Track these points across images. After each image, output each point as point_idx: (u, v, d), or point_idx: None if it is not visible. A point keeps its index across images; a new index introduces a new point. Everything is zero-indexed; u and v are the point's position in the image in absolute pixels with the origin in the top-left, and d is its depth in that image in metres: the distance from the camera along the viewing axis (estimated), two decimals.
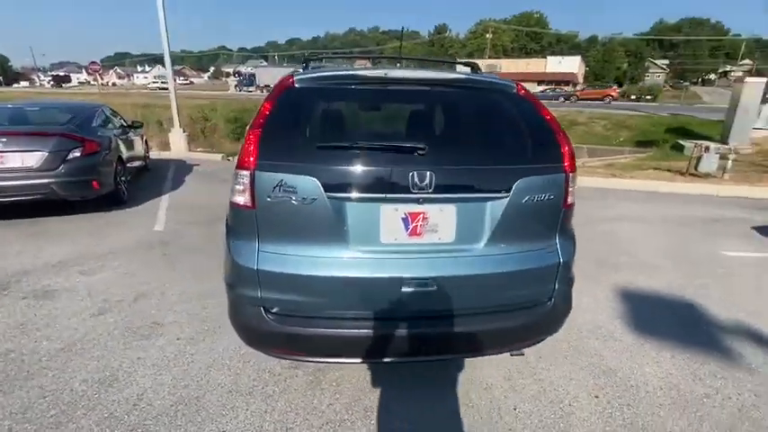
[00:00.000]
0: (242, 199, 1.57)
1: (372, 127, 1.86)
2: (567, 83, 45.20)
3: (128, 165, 5.71)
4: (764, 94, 10.80)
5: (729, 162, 7.98)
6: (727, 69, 72.34)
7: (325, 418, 1.86)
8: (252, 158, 1.52)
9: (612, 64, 57.74)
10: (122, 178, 5.33)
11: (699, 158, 8.20)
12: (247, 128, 1.64)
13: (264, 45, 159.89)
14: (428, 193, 1.51)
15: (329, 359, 1.78)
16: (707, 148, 8.23)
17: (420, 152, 1.52)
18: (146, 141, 7.53)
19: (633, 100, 43.36)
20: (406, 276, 1.56)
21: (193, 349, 2.35)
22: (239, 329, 1.72)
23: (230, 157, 9.12)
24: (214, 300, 2.90)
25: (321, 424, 1.83)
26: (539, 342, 1.85)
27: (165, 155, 9.33)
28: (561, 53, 61.37)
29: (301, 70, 2.35)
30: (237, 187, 1.58)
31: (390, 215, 1.55)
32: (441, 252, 1.60)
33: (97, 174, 4.63)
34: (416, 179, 1.49)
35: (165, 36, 8.94)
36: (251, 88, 57.42)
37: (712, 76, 73.02)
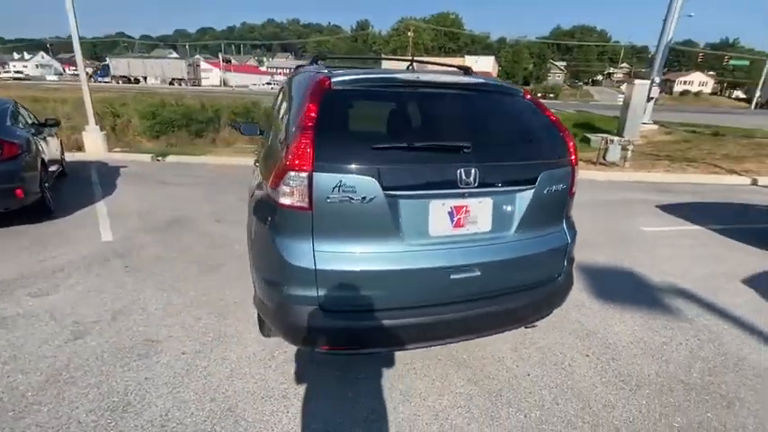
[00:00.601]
0: (295, 200, 1.57)
1: (412, 127, 1.94)
2: None
3: (49, 169, 4.96)
4: (648, 93, 12.87)
5: (629, 152, 9.43)
6: (611, 71, 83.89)
7: (369, 408, 1.93)
8: (308, 160, 1.53)
9: (520, 64, 63.58)
10: (46, 184, 4.63)
11: (606, 150, 9.55)
12: (293, 129, 1.63)
13: (172, 33, 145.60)
14: (472, 187, 1.67)
15: (382, 348, 1.85)
16: (611, 141, 9.61)
17: (465, 150, 1.66)
18: (61, 142, 6.57)
19: (539, 98, 48.41)
20: (453, 265, 1.70)
21: (204, 362, 2.23)
22: (288, 329, 1.70)
23: (160, 158, 8.34)
24: (206, 309, 2.76)
25: (367, 414, 1.90)
26: (550, 314, 2.13)
27: (80, 156, 8.20)
28: (476, 53, 65.79)
29: (313, 65, 2.37)
30: (287, 189, 1.57)
31: (438, 209, 1.68)
32: (479, 241, 1.77)
33: (20, 180, 3.98)
34: (463, 175, 1.64)
35: (73, 18, 7.81)
36: (106, 78, 54.81)
37: (599, 77, 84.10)
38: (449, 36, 75.77)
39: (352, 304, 1.66)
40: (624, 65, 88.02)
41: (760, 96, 51.71)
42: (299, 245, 1.61)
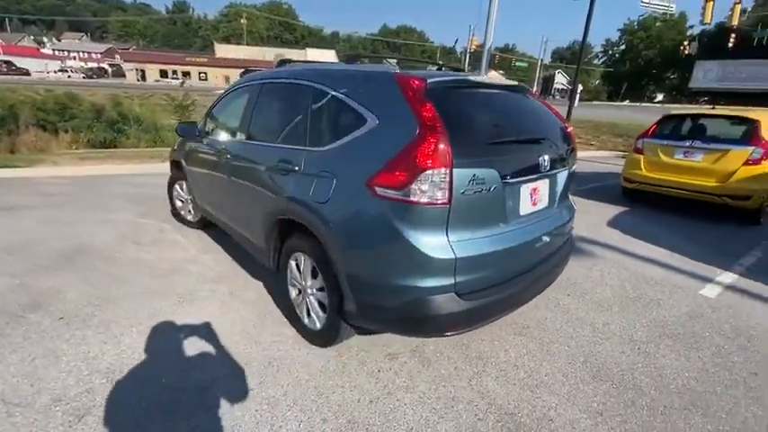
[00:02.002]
0: (434, 197, 1.64)
1: (499, 123, 2.09)
2: None
3: None
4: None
5: None
6: (431, 68, 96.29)
7: (461, 368, 2.14)
8: (447, 158, 1.61)
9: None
10: None
11: None
12: (416, 134, 1.65)
13: None
14: (546, 171, 2.03)
15: (494, 319, 2.05)
16: None
17: (542, 140, 2.00)
18: None
19: None
20: (534, 237, 2.05)
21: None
22: (425, 321, 1.76)
23: None
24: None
25: (464, 385, 2.10)
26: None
27: None
28: (314, 45, 66.17)
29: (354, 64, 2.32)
30: (424, 187, 1.63)
31: (525, 192, 1.98)
32: (543, 215, 2.15)
33: None
34: (545, 162, 1.98)
35: None
36: None
37: None
38: (284, 26, 73.84)
39: (478, 285, 1.83)
40: (440, 62, 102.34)
41: (535, 91, 68.12)
42: (437, 237, 1.69)
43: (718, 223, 5.17)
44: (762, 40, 28.12)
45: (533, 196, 2.07)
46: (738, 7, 19.55)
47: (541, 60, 55.07)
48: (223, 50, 49.24)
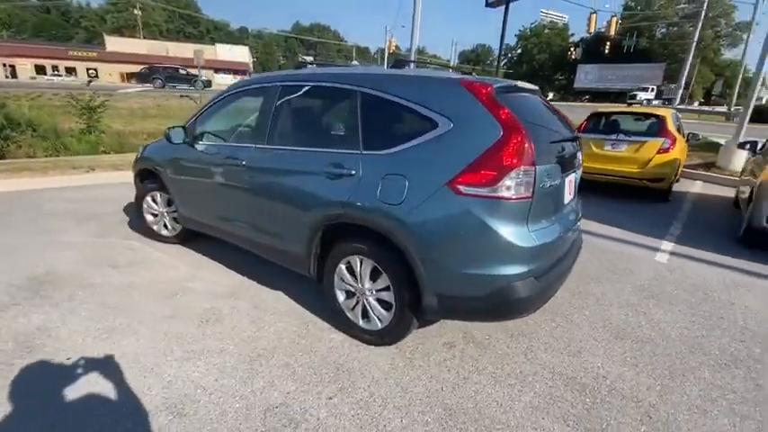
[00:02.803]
0: (521, 192, 1.82)
1: (542, 123, 2.27)
2: (243, 72, 46.89)
3: None
4: None
5: None
6: None
7: (520, 355, 2.37)
8: (531, 156, 1.80)
9: (274, 56, 64.49)
10: None
11: None
12: (500, 135, 1.80)
13: None
14: (576, 166, 2.33)
15: (552, 297, 2.28)
16: None
17: (574, 138, 2.29)
18: None
19: None
20: (571, 222, 2.35)
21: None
22: (511, 307, 1.93)
23: None
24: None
25: (523, 360, 2.33)
26: None
27: None
28: (221, 40, 61.93)
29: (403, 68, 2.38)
30: (511, 183, 1.80)
31: (567, 184, 2.26)
32: (571, 204, 2.47)
33: None
34: (578, 157, 2.28)
35: None
36: None
37: None
38: (186, 19, 67.81)
39: (545, 268, 2.05)
40: (355, 62, 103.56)
41: None
42: (521, 228, 1.87)
43: (642, 202, 6.20)
44: (629, 47, 33.72)
45: (570, 188, 2.37)
46: (615, 19, 23.15)
47: (451, 62, 58.84)
48: (115, 44, 43.44)
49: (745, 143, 5.71)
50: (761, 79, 8.03)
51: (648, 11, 49.80)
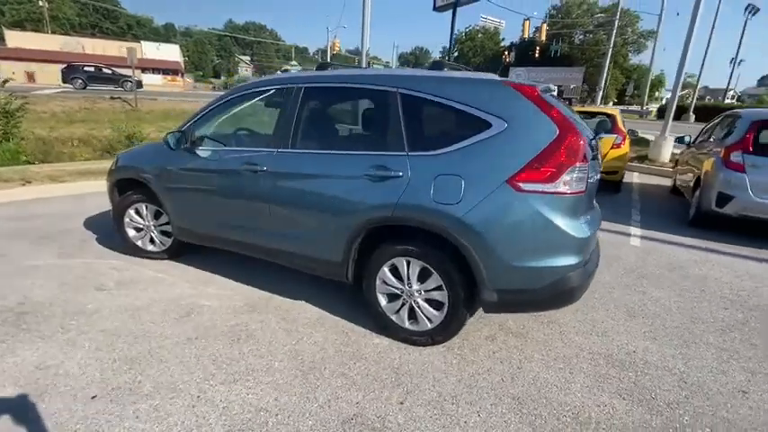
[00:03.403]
0: (578, 187, 1.95)
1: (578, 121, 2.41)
2: (175, 72, 43.73)
3: None
4: None
5: None
6: (287, 68, 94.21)
7: (558, 340, 2.52)
8: (584, 152, 1.93)
9: (207, 56, 60.82)
10: None
11: None
12: (556, 134, 1.91)
13: None
14: (600, 162, 2.53)
15: None
16: None
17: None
18: None
19: None
20: (599, 214, 2.55)
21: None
22: (567, 295, 2.06)
23: None
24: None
25: (562, 344, 2.48)
26: None
27: None
28: (144, 37, 57.15)
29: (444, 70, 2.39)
30: (569, 179, 1.92)
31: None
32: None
33: None
34: (599, 153, 2.47)
35: None
36: None
37: (279, 72, 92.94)
38: (103, 14, 61.54)
39: (588, 256, 2.20)
40: (294, 62, 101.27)
41: None
42: (576, 221, 2.00)
43: (598, 194, 6.80)
44: (555, 51, 36.80)
45: None
46: (545, 26, 25.13)
47: (391, 63, 59.88)
48: (18, 39, 38.09)
49: (680, 138, 6.54)
50: (679, 83, 9.20)
51: (568, 19, 54.63)
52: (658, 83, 57.36)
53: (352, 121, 2.59)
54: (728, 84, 38.69)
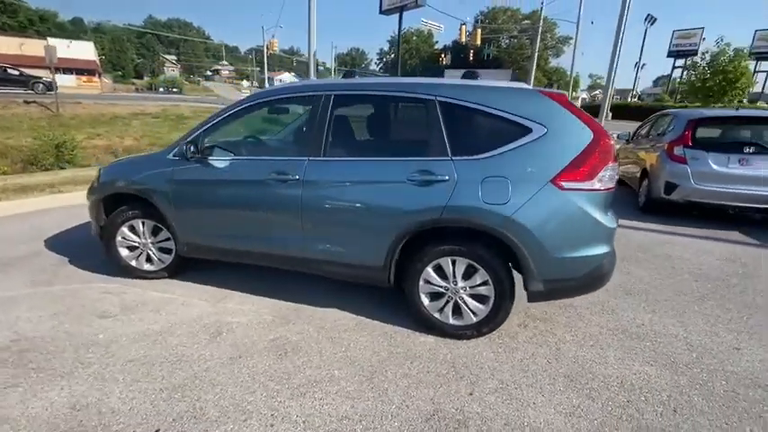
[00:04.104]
0: (611, 183, 2.20)
1: None
2: (90, 72, 39.43)
3: None
4: None
5: None
6: (218, 68, 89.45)
7: (585, 322, 2.80)
8: (614, 153, 2.18)
9: (127, 54, 55.45)
10: None
11: None
12: (592, 137, 2.14)
13: None
14: None
15: None
16: None
17: None
18: None
19: (162, 92, 45.18)
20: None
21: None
22: (603, 279, 2.31)
23: None
24: None
25: (589, 324, 2.76)
26: None
27: None
28: (49, 34, 50.74)
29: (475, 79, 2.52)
30: (606, 176, 2.17)
31: None
32: None
33: None
34: None
35: None
36: None
37: (209, 73, 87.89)
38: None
39: (613, 246, 2.48)
40: (225, 62, 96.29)
41: None
42: (607, 214, 2.26)
43: None
44: (487, 55, 39.20)
45: None
46: (479, 31, 26.63)
47: (329, 64, 59.56)
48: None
49: (621, 134, 7.40)
50: (610, 86, 10.39)
51: (494, 24, 58.38)
52: (574, 83, 63.64)
53: (387, 128, 2.64)
54: (635, 85, 44.12)
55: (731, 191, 4.78)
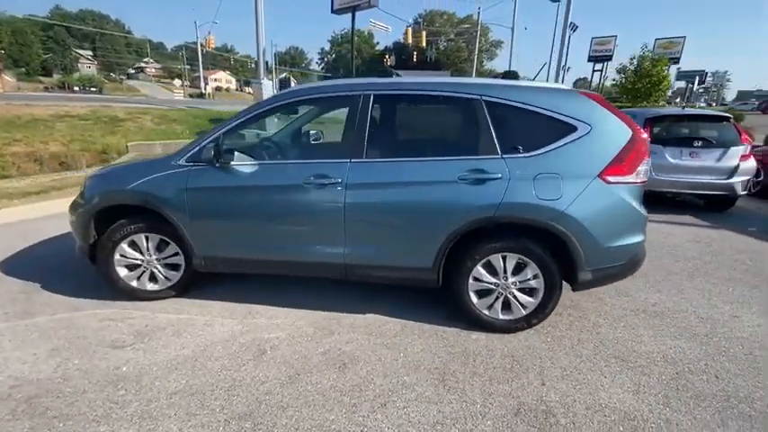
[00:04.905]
0: (645, 176, 2.38)
1: None
2: None
3: None
4: (280, 89, 15.58)
5: None
6: (142, 65, 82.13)
7: (608, 307, 3.00)
8: (648, 149, 2.37)
9: (32, 49, 48.61)
10: None
11: None
12: (631, 134, 2.30)
13: None
14: None
15: None
16: None
17: None
18: None
19: (77, 91, 40.59)
20: None
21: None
22: (637, 266, 2.49)
23: None
24: None
25: (603, 315, 2.97)
26: None
27: None
28: None
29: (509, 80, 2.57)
30: (641, 170, 2.35)
31: None
32: None
33: None
34: None
35: None
36: None
37: (131, 70, 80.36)
38: None
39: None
40: (148, 59, 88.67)
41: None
42: (641, 205, 2.44)
43: None
44: (429, 56, 40.40)
45: None
46: (424, 33, 27.35)
47: (269, 63, 57.54)
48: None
49: None
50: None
51: (432, 27, 60.38)
52: None
53: (430, 127, 2.61)
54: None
55: (685, 180, 5.42)
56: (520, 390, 2.10)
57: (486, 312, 2.58)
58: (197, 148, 2.67)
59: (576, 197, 2.30)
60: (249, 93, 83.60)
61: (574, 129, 2.35)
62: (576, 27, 35.97)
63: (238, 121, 2.66)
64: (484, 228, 2.42)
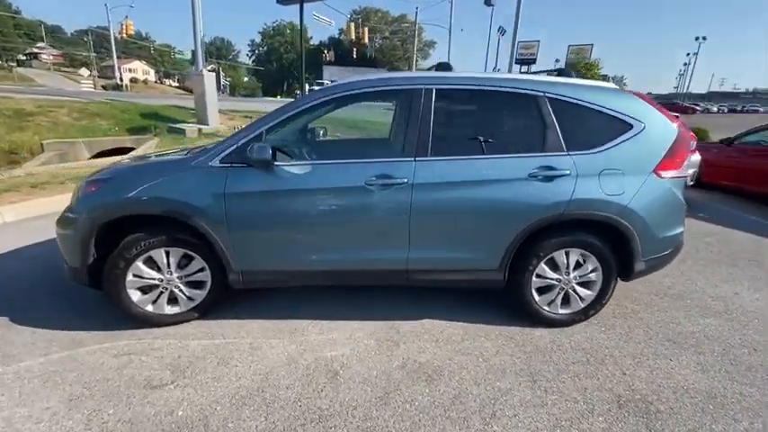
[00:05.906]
0: (689, 171, 2.57)
1: None
2: None
3: None
4: (218, 83, 14.34)
5: None
6: (36, 52, 71.14)
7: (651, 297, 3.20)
8: (690, 145, 2.54)
9: None
10: None
11: None
12: (677, 131, 2.45)
13: None
14: None
15: None
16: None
17: None
18: None
19: None
20: None
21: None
22: (678, 253, 2.66)
23: None
24: None
25: (642, 302, 3.18)
26: None
27: None
28: None
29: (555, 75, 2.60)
30: (687, 164, 2.52)
31: None
32: None
33: None
34: None
35: None
36: None
37: (23, 57, 69.26)
38: None
39: None
40: (43, 44, 77.14)
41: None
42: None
43: None
44: (370, 54, 40.48)
45: None
46: (366, 29, 27.22)
47: (197, 53, 53.39)
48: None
49: None
50: None
51: (367, 24, 60.57)
52: None
53: (493, 124, 2.52)
54: None
55: None
56: (608, 381, 2.14)
57: (546, 308, 2.60)
58: (233, 146, 2.33)
59: (636, 192, 2.40)
60: (170, 85, 76.87)
61: (630, 126, 2.44)
62: (505, 31, 38.45)
63: (284, 116, 2.36)
64: (551, 224, 2.43)
